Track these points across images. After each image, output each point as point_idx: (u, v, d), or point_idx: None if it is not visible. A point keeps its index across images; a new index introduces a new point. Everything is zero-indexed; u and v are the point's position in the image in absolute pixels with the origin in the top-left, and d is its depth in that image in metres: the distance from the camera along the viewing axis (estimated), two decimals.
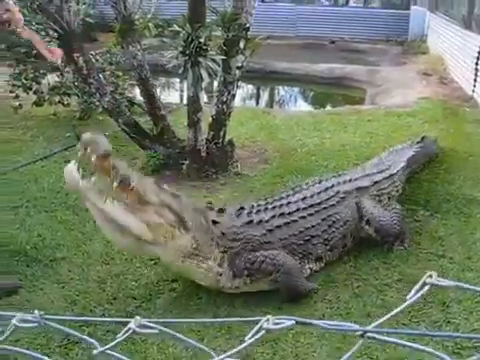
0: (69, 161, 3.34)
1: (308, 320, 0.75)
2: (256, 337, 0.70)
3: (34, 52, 7.05)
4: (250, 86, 12.96)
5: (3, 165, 6.07)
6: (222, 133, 5.69)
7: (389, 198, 4.60)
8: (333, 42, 16.44)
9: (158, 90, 6.29)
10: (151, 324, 0.83)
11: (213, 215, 3.71)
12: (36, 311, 0.85)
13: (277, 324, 0.70)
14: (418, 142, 5.56)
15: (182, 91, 11.99)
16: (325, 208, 4.07)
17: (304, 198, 4.08)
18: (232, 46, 5.42)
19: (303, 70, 12.70)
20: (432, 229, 4.53)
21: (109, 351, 0.87)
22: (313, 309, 3.53)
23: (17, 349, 1.00)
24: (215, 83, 5.93)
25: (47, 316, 0.87)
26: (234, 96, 5.78)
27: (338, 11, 17.68)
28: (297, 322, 0.71)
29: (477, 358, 0.82)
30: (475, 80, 8.91)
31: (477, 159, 5.97)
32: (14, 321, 0.87)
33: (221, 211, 3.76)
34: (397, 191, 4.80)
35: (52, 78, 7.78)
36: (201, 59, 5.00)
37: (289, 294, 3.60)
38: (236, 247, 3.63)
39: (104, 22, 12.66)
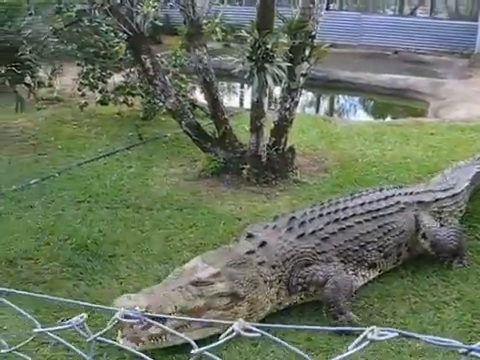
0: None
1: (411, 333, 0.74)
2: (360, 347, 0.70)
3: (102, 52, 7.27)
4: (311, 94, 12.91)
5: (68, 161, 6.25)
6: (283, 140, 5.70)
7: (451, 216, 4.48)
8: (396, 52, 16.20)
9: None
10: (254, 328, 0.84)
11: (259, 255, 3.48)
12: (138, 307, 0.87)
13: (381, 335, 0.70)
14: None
15: (242, 95, 12.10)
16: (382, 215, 3.99)
17: (362, 204, 4.02)
18: (298, 53, 5.42)
19: (365, 80, 12.55)
20: None
21: (207, 353, 0.88)
22: (369, 322, 3.48)
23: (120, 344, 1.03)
24: (276, 89, 5.93)
25: (147, 314, 0.89)
26: (297, 103, 5.78)
27: (403, 21, 17.35)
28: (400, 334, 0.71)
29: None
30: None
31: None
32: (117, 315, 0.90)
33: (263, 244, 3.53)
34: (460, 211, 4.65)
35: (118, 78, 7.96)
36: (267, 65, 5.01)
37: (329, 307, 3.44)
38: (289, 267, 3.52)
39: (169, 25, 12.86)
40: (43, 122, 7.76)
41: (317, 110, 12.52)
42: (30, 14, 6.63)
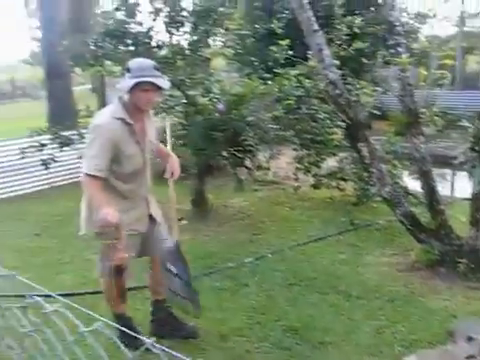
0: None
1: None
2: None
3: (318, 138, 7.51)
4: None
5: (280, 242, 6.45)
6: None
7: None
8: None
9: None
10: None
11: None
12: None
13: None
14: None
15: (454, 183, 11.62)
16: None
17: None
18: None
19: None
20: None
21: None
22: None
23: None
24: None
25: None
26: None
27: None
28: None
29: None
30: None
31: None
32: None
33: None
34: None
35: (331, 163, 8.14)
36: None
37: None
38: None
39: (379, 109, 12.96)
40: (258, 203, 8.16)
41: None
42: (253, 103, 7.09)
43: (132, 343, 3.80)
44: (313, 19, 5.86)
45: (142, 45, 7.17)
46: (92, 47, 7.68)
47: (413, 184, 7.67)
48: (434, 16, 18.78)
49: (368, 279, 5.41)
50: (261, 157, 7.52)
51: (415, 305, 4.79)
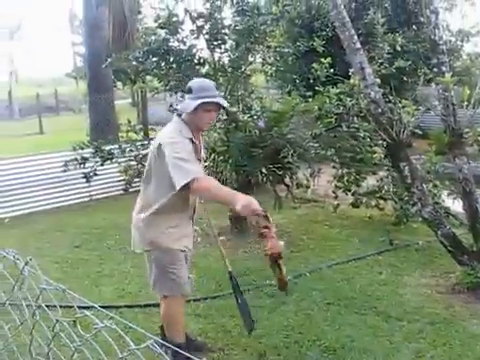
0: None
1: None
2: None
3: (359, 157, 7.47)
4: None
5: (319, 261, 6.41)
6: None
7: None
8: None
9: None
10: None
11: None
12: None
13: None
14: None
15: None
16: None
17: None
18: None
19: None
20: None
21: None
22: None
23: None
24: None
25: None
26: None
27: None
28: None
29: None
30: None
31: None
32: None
33: None
34: None
35: (371, 181, 8.08)
36: None
37: None
38: None
39: (420, 128, 12.82)
40: (297, 220, 8.13)
41: None
42: (293, 121, 7.10)
43: None
44: (355, 37, 5.86)
45: (184, 62, 7.25)
46: (134, 63, 7.82)
47: (453, 204, 7.57)
48: (477, 33, 18.57)
49: (408, 300, 5.33)
50: (301, 175, 7.50)
51: (456, 329, 4.70)
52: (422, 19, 12.84)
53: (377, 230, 7.44)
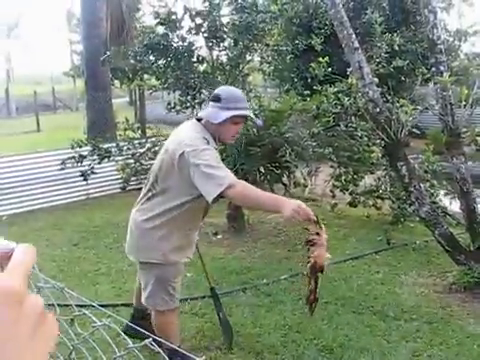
0: None
1: None
2: None
3: (356, 156, 7.47)
4: None
5: None
6: None
7: None
8: None
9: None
10: None
11: None
12: None
13: None
14: None
15: None
16: None
17: None
18: None
19: None
20: None
21: None
22: None
23: None
24: None
25: None
26: None
27: None
28: None
29: None
30: None
31: None
32: None
33: None
34: None
35: (368, 180, 8.09)
36: None
37: None
38: None
39: (417, 128, 12.84)
40: (280, 214, 8.11)
41: None
42: (291, 120, 7.10)
43: None
44: (353, 36, 5.86)
45: (183, 60, 7.25)
46: (132, 61, 7.81)
47: (450, 204, 7.58)
48: (475, 33, 18.58)
49: (405, 300, 5.33)
50: (298, 174, 7.51)
51: (453, 328, 4.71)
52: (420, 18, 12.87)
53: (374, 229, 7.45)
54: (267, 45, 8.44)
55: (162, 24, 7.29)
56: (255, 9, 7.39)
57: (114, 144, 7.89)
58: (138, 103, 17.47)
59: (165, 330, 3.84)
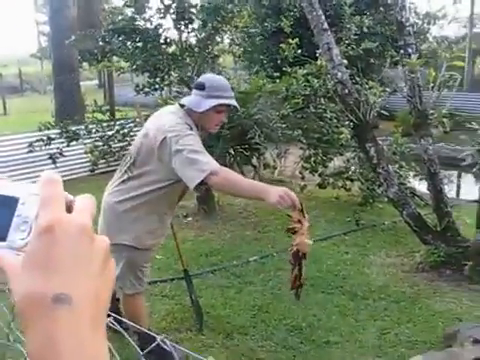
0: None
1: None
2: None
3: (325, 138, 7.51)
4: None
5: (286, 241, 6.36)
6: None
7: None
8: None
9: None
10: None
11: None
12: None
13: None
14: None
15: (459, 186, 11.61)
16: None
17: None
18: None
19: None
20: None
21: None
22: None
23: None
24: None
25: None
26: None
27: None
28: None
29: None
30: None
31: None
32: None
33: None
34: None
35: (338, 162, 8.14)
36: None
37: None
38: None
39: (386, 110, 12.96)
40: (264, 201, 8.13)
41: None
42: (261, 101, 7.09)
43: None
44: (323, 18, 5.86)
45: (151, 42, 7.17)
46: (101, 43, 7.71)
47: (419, 185, 7.68)
48: (443, 17, 18.76)
49: (373, 279, 5.41)
50: (268, 156, 7.52)
51: (420, 306, 4.79)
52: (389, 1, 12.91)
53: (344, 210, 7.51)
54: (236, 27, 8.41)
55: (129, 6, 7.19)
56: None
57: (82, 126, 7.79)
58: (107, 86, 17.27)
59: (134, 313, 3.83)
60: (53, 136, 7.58)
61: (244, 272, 5.57)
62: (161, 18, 7.27)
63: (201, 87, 3.43)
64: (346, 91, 5.87)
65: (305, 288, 5.04)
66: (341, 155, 8.06)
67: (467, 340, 3.45)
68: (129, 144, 6.76)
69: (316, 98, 7.55)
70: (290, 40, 7.50)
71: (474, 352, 3.25)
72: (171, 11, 7.23)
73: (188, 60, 7.40)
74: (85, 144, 8.19)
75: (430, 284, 5.27)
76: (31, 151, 7.77)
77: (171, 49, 7.54)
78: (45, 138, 7.50)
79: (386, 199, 6.23)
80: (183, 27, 7.41)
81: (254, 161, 7.27)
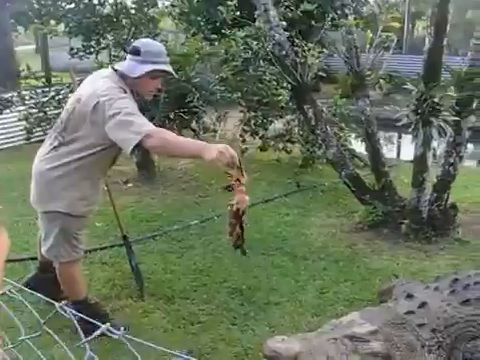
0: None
1: None
2: None
3: (265, 100, 7.50)
4: (471, 146, 12.27)
5: (226, 204, 6.40)
6: (445, 195, 5.45)
7: None
8: None
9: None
10: None
11: (419, 316, 3.19)
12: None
13: None
14: None
15: (400, 146, 11.85)
16: None
17: None
18: (465, 106, 5.21)
19: None
20: None
21: None
22: None
23: None
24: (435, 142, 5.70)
25: None
26: (462, 158, 5.53)
27: None
28: None
29: None
30: None
31: None
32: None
33: (424, 305, 3.24)
34: None
35: (278, 125, 8.15)
36: (433, 119, 4.87)
37: None
38: (451, 334, 3.19)
39: (327, 72, 13.02)
40: (204, 165, 8.09)
41: None
42: (199, 64, 7.00)
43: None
44: None
45: (84, 2, 6.94)
46: (36, 5, 7.44)
47: (360, 147, 7.77)
48: None
49: (313, 240, 5.47)
50: (207, 119, 7.45)
51: (358, 265, 4.88)
52: None
53: (284, 173, 7.55)
54: None
55: None
56: None
57: (15, 93, 7.53)
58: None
59: (70, 282, 3.77)
60: None
61: (185, 236, 5.55)
62: None
63: (136, 52, 3.35)
64: (283, 53, 5.84)
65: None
66: (281, 117, 8.07)
67: (401, 295, 3.51)
68: None
69: (255, 61, 7.49)
70: (228, 1, 7.39)
71: (408, 306, 3.32)
72: None
73: (124, 22, 7.20)
74: (20, 111, 7.93)
75: (368, 243, 5.38)
76: None
77: (106, 10, 7.31)
78: None
79: (325, 160, 6.29)
80: None
81: (194, 125, 7.20)
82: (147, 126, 3.05)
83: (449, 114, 5.05)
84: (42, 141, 3.70)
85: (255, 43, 7.29)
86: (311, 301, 4.25)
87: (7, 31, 13.04)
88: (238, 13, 7.46)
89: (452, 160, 5.39)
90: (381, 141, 6.11)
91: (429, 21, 5.24)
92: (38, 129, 7.92)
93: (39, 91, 7.64)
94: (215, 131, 7.74)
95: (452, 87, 5.22)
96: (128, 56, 3.43)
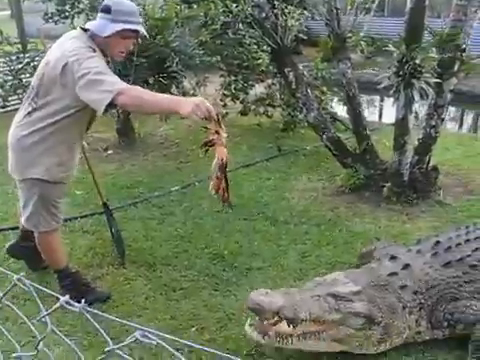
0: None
1: None
2: None
3: (245, 64, 7.40)
4: (453, 109, 12.31)
5: (208, 170, 6.35)
6: (427, 158, 5.45)
7: None
8: None
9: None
10: None
11: (401, 278, 3.24)
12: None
13: None
14: None
15: (382, 109, 11.82)
16: None
17: None
18: (446, 68, 5.17)
19: None
20: None
21: None
22: None
23: None
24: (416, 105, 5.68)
25: None
26: (443, 120, 5.52)
27: None
28: None
29: None
30: None
31: None
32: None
33: (406, 267, 3.29)
34: None
35: (259, 89, 8.06)
36: (415, 81, 4.83)
37: (476, 350, 3.08)
38: (432, 296, 3.24)
39: (308, 36, 12.91)
40: (186, 131, 8.03)
41: (461, 127, 11.91)
42: (178, 27, 6.85)
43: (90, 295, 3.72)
44: None
45: None
46: None
47: (342, 110, 7.72)
48: None
49: (295, 204, 5.46)
50: (187, 84, 7.34)
51: (340, 228, 4.88)
52: None
53: (266, 137, 7.50)
54: None
55: None
56: None
57: None
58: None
59: (50, 251, 3.74)
60: None
61: (166, 203, 5.51)
62: None
63: (107, 10, 3.25)
64: (263, 15, 5.74)
65: (226, 216, 5.10)
66: (262, 81, 7.98)
67: (385, 257, 3.52)
68: None
69: (235, 24, 7.36)
70: None
71: (391, 268, 3.34)
72: None
73: None
74: None
75: (350, 206, 5.38)
76: None
77: None
78: None
79: (307, 124, 6.24)
80: None
81: (173, 90, 7.07)
82: (119, 84, 2.97)
83: (431, 76, 5.01)
84: (18, 109, 3.61)
85: (235, 6, 7.15)
86: (293, 265, 4.25)
87: None
88: None
89: (434, 122, 5.38)
90: (363, 104, 6.07)
91: None
92: (14, 97, 7.75)
93: (14, 58, 7.45)
94: (195, 96, 7.63)
95: (434, 49, 5.17)
96: (99, 14, 3.33)
